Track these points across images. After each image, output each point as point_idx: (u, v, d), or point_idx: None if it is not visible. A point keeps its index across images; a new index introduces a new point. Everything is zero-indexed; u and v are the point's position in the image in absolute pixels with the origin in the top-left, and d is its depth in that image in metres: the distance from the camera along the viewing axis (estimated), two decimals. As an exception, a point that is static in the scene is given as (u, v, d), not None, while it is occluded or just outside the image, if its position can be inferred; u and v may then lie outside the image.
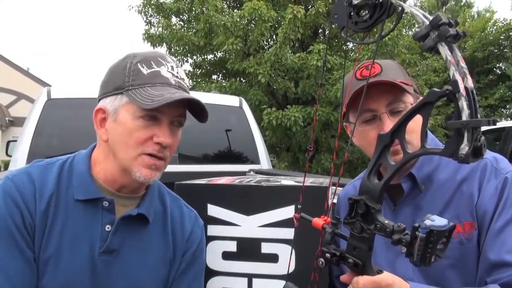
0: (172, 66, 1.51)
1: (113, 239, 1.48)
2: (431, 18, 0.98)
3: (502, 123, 11.27)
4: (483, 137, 0.93)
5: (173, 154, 1.55)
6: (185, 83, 1.54)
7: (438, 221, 1.02)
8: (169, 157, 1.51)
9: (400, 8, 1.04)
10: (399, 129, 1.09)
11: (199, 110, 1.54)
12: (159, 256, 1.60)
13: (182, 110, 1.50)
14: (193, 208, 1.78)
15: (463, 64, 0.96)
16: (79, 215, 1.47)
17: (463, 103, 0.92)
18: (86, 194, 1.48)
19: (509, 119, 22.84)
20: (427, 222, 1.01)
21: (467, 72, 0.95)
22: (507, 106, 23.84)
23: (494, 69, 25.62)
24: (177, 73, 1.51)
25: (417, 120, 1.06)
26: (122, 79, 1.46)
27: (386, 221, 1.10)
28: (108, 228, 1.48)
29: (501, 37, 23.96)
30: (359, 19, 1.11)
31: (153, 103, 1.37)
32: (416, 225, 1.02)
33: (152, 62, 1.48)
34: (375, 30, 1.15)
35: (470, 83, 0.94)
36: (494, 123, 0.96)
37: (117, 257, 1.50)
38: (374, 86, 1.56)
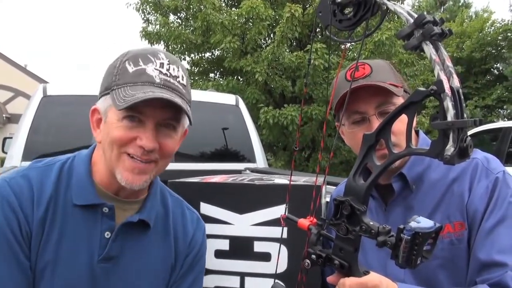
0: (162, 63, 1.40)
1: (113, 246, 1.44)
2: (415, 16, 0.97)
3: (499, 124, 11.29)
4: (469, 138, 0.92)
5: (169, 156, 1.47)
6: (178, 81, 1.42)
7: (423, 222, 1.01)
8: (160, 160, 1.44)
9: (384, 6, 1.03)
10: (384, 129, 1.08)
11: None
12: (159, 261, 1.56)
13: (171, 112, 1.41)
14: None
15: (449, 63, 0.94)
16: (78, 221, 1.42)
17: (448, 103, 0.90)
18: (85, 199, 1.43)
19: (506, 119, 22.86)
20: (412, 224, 1.00)
21: (453, 71, 0.94)
22: (504, 107, 23.87)
23: (492, 69, 25.69)
24: (168, 70, 1.41)
25: (406, 122, 1.05)
26: (110, 79, 1.40)
27: (371, 223, 1.09)
28: (107, 235, 1.43)
29: (499, 37, 24.02)
30: (343, 17, 1.10)
31: (123, 104, 1.30)
32: (401, 227, 1.01)
33: (140, 60, 1.39)
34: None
35: (456, 82, 0.93)
36: (480, 124, 0.95)
37: (116, 264, 1.45)
38: (363, 88, 1.57)
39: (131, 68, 1.38)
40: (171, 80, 1.40)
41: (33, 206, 1.36)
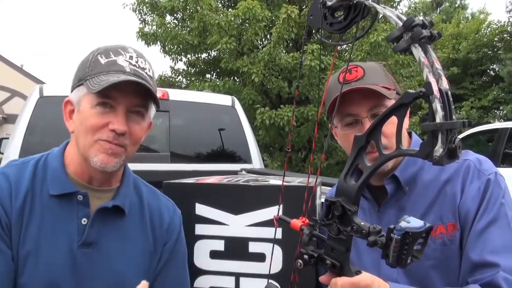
0: (131, 56, 1.54)
1: (90, 232, 1.51)
2: (404, 19, 0.98)
3: (495, 125, 11.31)
4: (458, 139, 0.93)
5: (137, 143, 1.57)
6: (146, 73, 1.55)
7: (413, 222, 1.02)
8: (130, 145, 1.53)
9: (374, 10, 1.04)
10: (375, 131, 1.09)
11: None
12: (137, 246, 1.62)
13: (140, 99, 1.53)
14: (179, 206, 1.80)
15: (438, 65, 0.95)
16: (55, 210, 1.49)
17: (437, 105, 0.92)
18: (60, 189, 1.50)
19: (502, 120, 22.89)
20: (402, 224, 1.01)
21: (442, 73, 0.95)
22: (500, 108, 23.87)
23: (488, 70, 25.67)
24: (136, 62, 1.54)
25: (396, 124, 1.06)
26: (83, 71, 1.52)
27: (362, 223, 1.10)
28: (84, 221, 1.51)
29: (495, 38, 24.02)
30: (334, 20, 1.12)
31: (97, 87, 1.42)
32: (392, 226, 1.02)
33: (111, 53, 1.52)
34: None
35: (445, 84, 0.94)
36: (469, 125, 0.96)
37: (96, 249, 1.52)
38: (355, 91, 1.58)
39: (103, 60, 1.51)
40: (140, 71, 1.53)
41: (11, 199, 1.45)
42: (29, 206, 1.46)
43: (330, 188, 2.13)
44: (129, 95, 1.49)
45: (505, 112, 23.34)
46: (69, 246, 1.48)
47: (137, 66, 1.53)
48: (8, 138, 5.58)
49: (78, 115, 1.51)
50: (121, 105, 1.48)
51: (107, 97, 1.46)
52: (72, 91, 1.56)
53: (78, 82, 1.52)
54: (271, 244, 1.80)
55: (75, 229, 1.50)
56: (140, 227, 1.65)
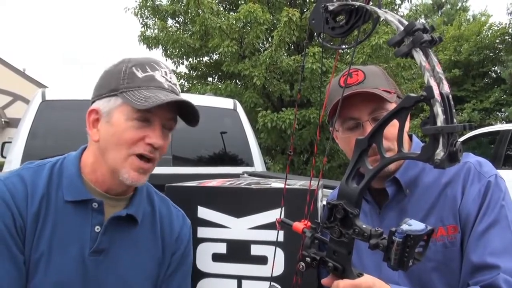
0: (165, 72, 1.57)
1: (103, 240, 1.51)
2: (406, 23, 0.99)
3: (497, 126, 11.28)
4: (459, 142, 0.93)
5: (162, 155, 1.58)
6: (177, 88, 1.59)
7: (415, 225, 1.02)
8: (158, 159, 1.55)
9: (375, 15, 1.04)
10: (376, 134, 1.09)
11: (191, 115, 1.59)
12: (148, 254, 1.63)
13: (173, 114, 1.56)
14: (181, 209, 1.82)
15: (439, 69, 0.96)
16: (69, 216, 1.49)
17: (438, 109, 0.92)
18: (75, 195, 1.50)
19: (504, 122, 22.86)
20: (404, 227, 1.01)
21: (443, 77, 0.95)
22: (502, 109, 23.84)
23: (490, 72, 25.65)
24: (170, 78, 1.57)
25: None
26: (117, 82, 1.51)
27: (364, 226, 1.10)
28: (97, 228, 1.51)
29: (497, 40, 24.02)
30: (335, 25, 1.12)
31: (147, 104, 1.42)
32: (393, 229, 1.02)
33: (146, 67, 1.53)
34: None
35: (446, 88, 0.94)
36: (470, 129, 0.96)
37: (106, 257, 1.52)
38: (356, 95, 1.59)
39: (140, 74, 1.51)
40: (174, 87, 1.58)
41: (27, 202, 1.45)
42: (44, 211, 1.47)
43: (332, 191, 2.14)
44: (165, 110, 1.51)
45: (507, 114, 23.30)
46: (81, 252, 1.49)
47: (171, 82, 1.57)
48: (10, 142, 5.59)
49: (108, 126, 1.50)
50: (158, 120, 1.51)
51: (147, 111, 1.47)
52: (96, 100, 1.55)
53: (110, 92, 1.51)
54: (273, 247, 1.81)
55: (88, 236, 1.50)
56: (151, 236, 1.66)
